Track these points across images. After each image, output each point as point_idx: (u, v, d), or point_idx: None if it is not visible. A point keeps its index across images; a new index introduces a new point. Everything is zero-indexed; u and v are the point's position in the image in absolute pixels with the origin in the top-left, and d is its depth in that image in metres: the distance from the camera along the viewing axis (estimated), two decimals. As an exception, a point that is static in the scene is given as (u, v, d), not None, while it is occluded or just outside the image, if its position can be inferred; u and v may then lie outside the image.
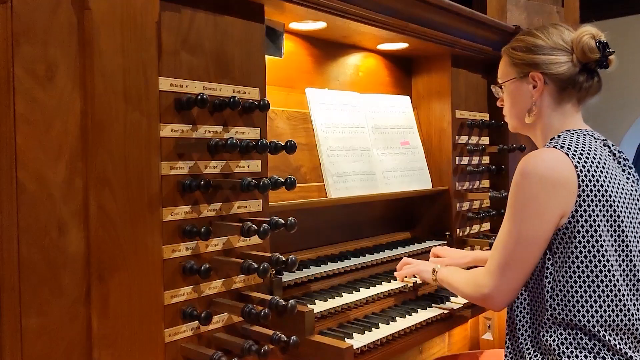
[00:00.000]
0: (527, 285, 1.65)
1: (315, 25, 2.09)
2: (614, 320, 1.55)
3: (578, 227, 1.54)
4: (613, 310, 1.55)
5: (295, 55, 2.24)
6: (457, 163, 2.65)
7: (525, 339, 1.63)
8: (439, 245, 2.55)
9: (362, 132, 2.36)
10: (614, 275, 1.55)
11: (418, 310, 2.06)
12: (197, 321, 1.47)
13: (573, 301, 1.56)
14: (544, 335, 1.59)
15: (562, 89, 1.71)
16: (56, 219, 1.22)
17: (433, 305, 2.12)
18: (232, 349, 1.49)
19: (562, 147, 1.60)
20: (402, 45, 2.47)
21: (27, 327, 1.18)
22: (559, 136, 1.68)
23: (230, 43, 1.59)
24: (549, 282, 1.59)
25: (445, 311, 2.09)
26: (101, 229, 1.28)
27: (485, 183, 2.84)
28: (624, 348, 1.54)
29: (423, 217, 2.71)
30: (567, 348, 1.56)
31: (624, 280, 1.57)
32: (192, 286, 1.49)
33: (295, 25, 2.10)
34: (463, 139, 2.69)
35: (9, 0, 1.15)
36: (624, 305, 1.56)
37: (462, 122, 2.68)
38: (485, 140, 2.83)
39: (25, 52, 1.17)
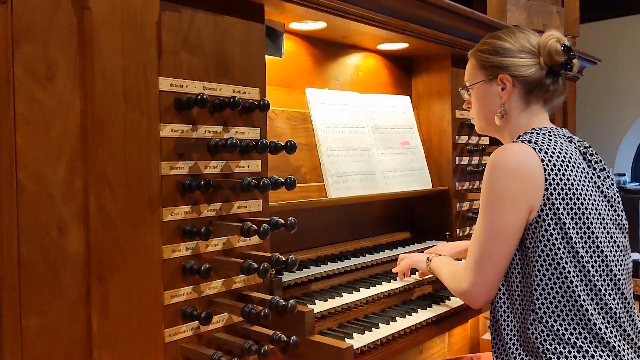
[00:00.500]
0: (505, 282, 1.65)
1: (315, 25, 2.09)
2: (591, 314, 1.55)
3: (548, 220, 1.56)
4: (590, 304, 1.56)
5: (295, 55, 2.24)
6: (457, 163, 2.65)
7: (510, 337, 1.64)
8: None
9: (362, 132, 2.36)
10: (584, 267, 1.56)
11: (418, 310, 2.06)
12: (197, 321, 1.48)
13: (545, 294, 1.57)
14: (527, 332, 1.60)
15: (529, 91, 1.75)
16: (56, 219, 1.22)
17: (433, 305, 2.12)
18: (232, 349, 1.49)
19: (529, 142, 1.64)
20: (402, 45, 2.47)
21: (27, 327, 1.18)
22: (525, 134, 1.72)
23: (230, 43, 1.59)
24: (520, 281, 1.61)
25: (445, 311, 2.09)
26: (101, 229, 1.28)
27: (485, 183, 2.84)
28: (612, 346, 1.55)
29: (423, 217, 2.71)
30: (547, 343, 1.56)
31: (596, 271, 1.58)
32: (192, 286, 1.49)
33: (295, 25, 2.10)
34: (463, 139, 2.69)
35: (9, 0, 1.15)
36: (600, 299, 1.57)
37: (462, 122, 2.68)
38: (485, 140, 2.83)
39: (25, 52, 1.17)
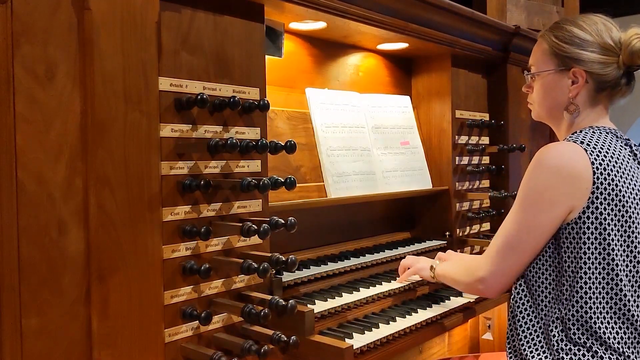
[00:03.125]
0: (526, 279, 1.64)
1: (315, 25, 2.09)
2: (615, 322, 1.54)
3: (588, 223, 1.53)
4: (615, 313, 1.54)
5: (295, 55, 2.24)
6: (457, 163, 2.65)
7: (526, 337, 1.63)
8: (439, 245, 2.55)
9: (362, 132, 2.36)
10: (617, 276, 1.54)
11: (418, 310, 2.06)
12: (197, 321, 1.47)
13: (577, 297, 1.55)
14: (549, 333, 1.59)
15: (601, 90, 1.67)
16: (56, 219, 1.22)
17: (433, 305, 2.12)
18: (232, 349, 1.49)
19: (582, 142, 1.58)
20: (402, 45, 2.47)
21: (27, 327, 1.18)
22: (580, 131, 1.65)
23: (230, 43, 1.59)
24: (553, 279, 1.59)
25: (445, 311, 2.09)
26: (101, 229, 1.28)
27: (485, 183, 2.84)
28: (625, 349, 1.55)
29: (423, 217, 2.71)
30: (566, 346, 1.55)
31: (629, 281, 1.56)
32: (192, 286, 1.49)
33: (295, 25, 2.10)
34: (463, 139, 2.69)
35: (9, 0, 1.15)
36: (628, 310, 1.55)
37: (462, 122, 2.68)
38: (485, 140, 2.83)
39: (25, 52, 1.17)
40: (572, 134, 1.67)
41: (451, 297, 2.20)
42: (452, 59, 2.62)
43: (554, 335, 1.56)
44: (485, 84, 2.87)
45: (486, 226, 2.86)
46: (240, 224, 1.46)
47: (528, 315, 1.63)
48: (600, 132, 1.64)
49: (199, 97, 1.44)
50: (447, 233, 2.61)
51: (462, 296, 2.24)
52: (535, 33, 3.01)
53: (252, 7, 1.65)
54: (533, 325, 1.62)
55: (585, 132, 1.64)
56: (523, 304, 1.64)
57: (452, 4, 2.32)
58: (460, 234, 2.67)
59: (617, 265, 1.54)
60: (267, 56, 1.75)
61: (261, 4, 1.68)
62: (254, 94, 1.66)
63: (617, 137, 1.67)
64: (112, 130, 1.29)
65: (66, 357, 1.24)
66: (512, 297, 1.66)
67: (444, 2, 2.28)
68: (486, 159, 2.84)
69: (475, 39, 2.57)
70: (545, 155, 1.57)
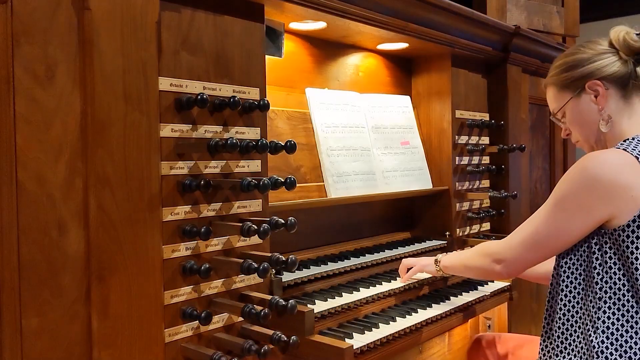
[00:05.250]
0: (578, 280, 1.60)
1: (315, 25, 2.09)
2: None
3: (637, 232, 1.49)
4: None
5: (295, 55, 2.24)
6: (457, 163, 2.65)
7: (566, 337, 1.59)
8: (439, 245, 2.55)
9: (362, 132, 2.36)
10: None
11: (418, 310, 2.06)
12: (197, 321, 1.48)
13: (619, 304, 1.51)
14: (590, 336, 1.54)
15: (625, 87, 1.66)
16: (56, 219, 1.22)
17: (433, 305, 2.12)
18: (232, 349, 1.49)
19: (634, 149, 1.54)
20: (402, 45, 2.47)
21: (27, 327, 1.18)
22: (633, 138, 1.61)
23: (230, 43, 1.59)
24: (596, 284, 1.55)
25: (445, 311, 2.09)
26: (101, 229, 1.28)
27: (485, 183, 2.84)
28: None
29: (423, 217, 2.71)
30: (610, 352, 1.51)
31: None
32: (192, 286, 1.49)
33: (295, 25, 2.10)
34: (463, 139, 2.69)
35: (9, 0, 1.15)
36: None
37: (462, 122, 2.68)
38: (485, 140, 2.83)
39: (25, 52, 1.17)
40: (624, 141, 1.62)
41: (451, 297, 2.20)
42: (452, 59, 2.62)
43: (598, 341, 1.53)
44: (485, 84, 2.87)
45: (486, 226, 2.86)
46: (240, 224, 1.46)
47: (569, 314, 1.61)
48: None
49: (199, 97, 1.44)
50: (447, 233, 2.61)
51: (462, 295, 2.24)
52: (536, 33, 3.02)
53: (252, 7, 1.65)
54: (572, 326, 1.59)
55: (637, 142, 1.59)
56: (569, 303, 1.61)
57: (452, 4, 2.32)
58: (460, 234, 2.67)
59: None
60: (267, 56, 1.75)
61: (261, 4, 1.68)
62: (254, 94, 1.66)
63: None
64: (112, 130, 1.29)
65: (66, 357, 1.24)
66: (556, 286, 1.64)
67: (444, 2, 2.28)
68: (486, 159, 2.84)
69: (475, 39, 2.57)
70: (590, 160, 1.54)
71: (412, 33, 2.24)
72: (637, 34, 1.65)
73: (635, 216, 1.50)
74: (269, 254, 1.51)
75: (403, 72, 2.75)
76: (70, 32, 1.24)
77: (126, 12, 1.31)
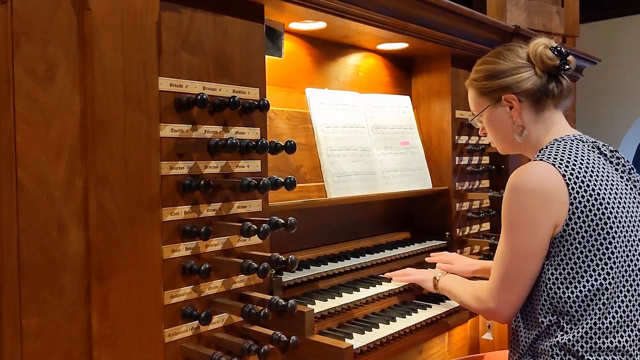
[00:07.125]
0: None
1: (315, 25, 2.09)
2: (599, 328, 1.55)
3: (573, 234, 1.55)
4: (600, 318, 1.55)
5: (295, 55, 2.24)
6: (457, 163, 2.65)
7: (524, 346, 1.64)
8: (439, 245, 2.55)
9: (362, 132, 2.36)
10: (595, 280, 1.55)
11: (418, 310, 2.06)
12: (197, 321, 1.48)
13: (562, 302, 1.56)
14: (539, 341, 1.61)
15: (537, 101, 1.75)
16: (56, 219, 1.22)
17: (433, 305, 2.12)
18: (232, 349, 1.49)
19: (548, 157, 1.62)
20: (402, 45, 2.47)
21: (27, 327, 1.18)
22: (546, 147, 1.70)
23: (230, 43, 1.59)
24: (544, 289, 1.60)
25: (445, 311, 2.09)
26: (101, 229, 1.28)
27: (485, 183, 2.84)
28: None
29: (423, 217, 2.71)
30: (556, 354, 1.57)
31: (616, 284, 1.56)
32: (192, 286, 1.49)
33: (295, 25, 2.10)
34: (463, 139, 2.69)
35: (9, 0, 1.15)
36: (616, 311, 1.56)
37: (462, 122, 2.68)
38: (485, 140, 2.82)
39: (25, 52, 1.17)
40: (540, 150, 1.71)
41: (451, 297, 2.20)
42: (452, 59, 2.62)
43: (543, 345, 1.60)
44: (485, 84, 2.86)
45: (486, 226, 2.86)
46: (240, 224, 1.46)
47: (521, 321, 1.68)
48: (565, 142, 1.68)
49: (199, 97, 1.44)
50: (447, 233, 2.61)
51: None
52: (535, 33, 3.02)
53: (252, 7, 1.65)
54: (526, 333, 1.66)
55: (551, 146, 1.68)
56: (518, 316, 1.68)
57: (452, 4, 2.32)
58: (460, 234, 2.67)
59: (602, 270, 1.56)
60: (267, 56, 1.75)
61: (261, 4, 1.68)
62: (254, 94, 1.66)
63: (582, 142, 1.70)
64: (112, 130, 1.29)
65: (66, 357, 1.24)
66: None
67: (444, 2, 2.28)
68: (486, 159, 2.84)
69: (475, 39, 2.57)
70: (517, 179, 1.61)
71: (412, 33, 2.24)
72: (553, 50, 1.72)
73: (566, 220, 1.55)
74: (269, 254, 1.51)
75: (403, 72, 2.75)
76: (70, 32, 1.24)
77: (126, 12, 1.31)
